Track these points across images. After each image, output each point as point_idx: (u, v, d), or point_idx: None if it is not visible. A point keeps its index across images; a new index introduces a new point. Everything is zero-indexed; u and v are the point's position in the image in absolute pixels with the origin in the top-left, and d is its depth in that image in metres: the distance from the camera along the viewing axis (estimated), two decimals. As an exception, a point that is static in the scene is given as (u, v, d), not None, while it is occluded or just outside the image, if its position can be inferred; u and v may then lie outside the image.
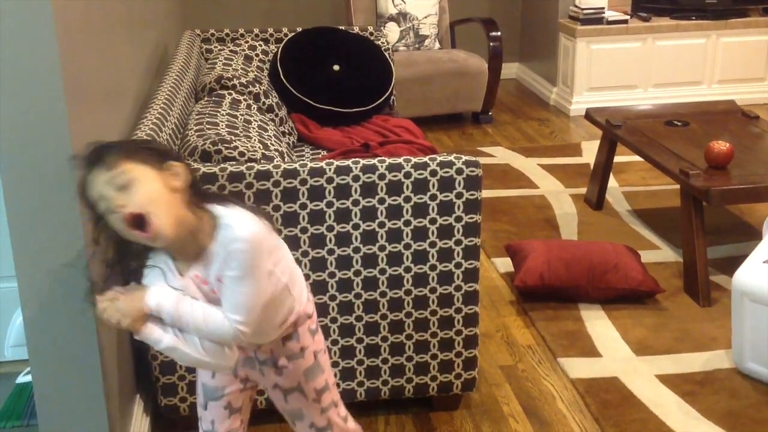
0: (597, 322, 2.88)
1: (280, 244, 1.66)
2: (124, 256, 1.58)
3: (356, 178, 2.12)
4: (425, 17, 5.31)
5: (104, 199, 1.47)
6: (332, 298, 2.21)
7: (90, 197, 1.49)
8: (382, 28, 5.15)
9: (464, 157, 2.18)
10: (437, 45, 5.38)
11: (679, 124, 3.67)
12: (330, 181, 2.12)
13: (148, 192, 1.47)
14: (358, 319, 2.24)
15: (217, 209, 1.54)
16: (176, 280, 1.57)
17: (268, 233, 1.56)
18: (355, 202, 2.14)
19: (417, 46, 5.31)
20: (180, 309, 1.53)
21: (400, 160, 2.15)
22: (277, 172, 2.11)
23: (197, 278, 1.56)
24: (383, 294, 2.22)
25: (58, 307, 1.77)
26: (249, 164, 2.14)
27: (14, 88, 1.63)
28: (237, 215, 1.53)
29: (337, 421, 1.82)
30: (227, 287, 1.53)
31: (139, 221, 1.46)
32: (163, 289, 1.54)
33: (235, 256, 1.50)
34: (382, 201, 2.15)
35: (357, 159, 2.16)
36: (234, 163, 2.23)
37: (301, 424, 1.79)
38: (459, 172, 2.16)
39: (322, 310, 2.21)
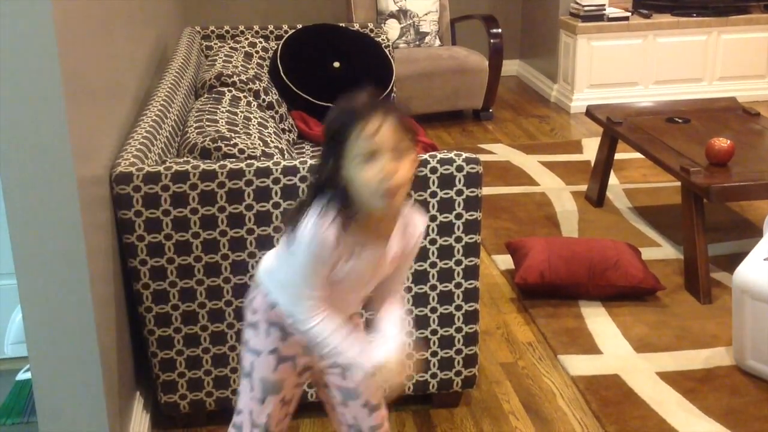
0: (597, 320, 2.87)
1: None
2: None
3: (356, 175, 2.12)
4: (425, 14, 5.31)
5: (375, 152, 1.46)
6: (332, 295, 2.21)
7: (360, 142, 1.46)
8: (382, 25, 5.14)
9: (464, 154, 2.17)
10: (437, 42, 5.37)
11: (679, 121, 3.66)
12: (330, 178, 2.11)
13: (411, 171, 1.52)
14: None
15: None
16: (363, 250, 1.57)
17: None
18: (355, 199, 2.13)
19: (417, 43, 5.31)
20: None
21: (400, 157, 2.14)
22: (276, 170, 2.11)
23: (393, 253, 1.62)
24: (383, 291, 2.22)
25: (58, 304, 1.77)
26: (249, 161, 2.14)
27: (13, 86, 1.62)
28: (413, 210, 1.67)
29: (384, 404, 1.81)
30: (406, 264, 1.69)
31: (394, 192, 1.49)
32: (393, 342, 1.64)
33: (419, 241, 1.67)
34: (382, 198, 2.14)
35: (357, 156, 2.15)
36: (234, 160, 2.23)
37: (354, 403, 1.76)
38: (459, 169, 2.15)
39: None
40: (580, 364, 2.63)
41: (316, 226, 1.52)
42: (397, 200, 1.52)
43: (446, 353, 2.30)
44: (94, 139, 1.94)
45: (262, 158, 2.33)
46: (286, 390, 1.75)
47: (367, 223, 1.55)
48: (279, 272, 1.65)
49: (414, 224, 1.64)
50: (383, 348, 1.62)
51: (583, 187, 4.00)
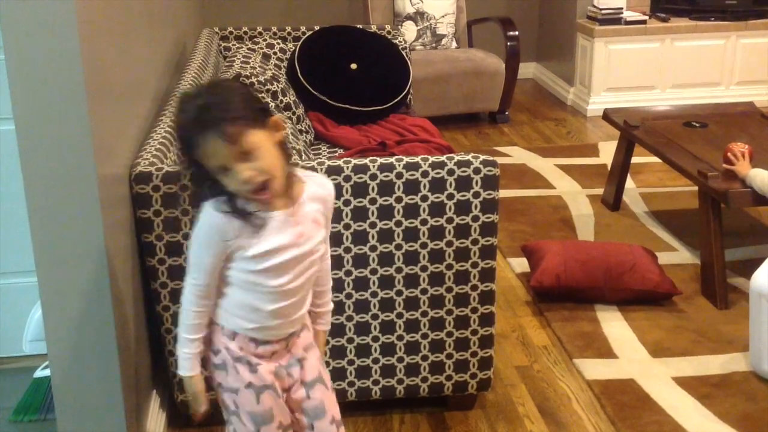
0: (613, 324, 2.87)
1: None
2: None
3: (374, 177, 2.13)
4: (442, 16, 5.31)
5: (222, 166, 1.49)
6: (348, 296, 2.22)
7: (201, 154, 1.49)
8: (399, 27, 5.15)
9: (482, 157, 2.17)
10: (454, 44, 5.37)
11: (697, 125, 3.65)
12: (347, 179, 2.12)
13: (270, 158, 1.51)
14: (374, 317, 2.24)
15: (297, 168, 1.64)
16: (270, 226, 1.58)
17: None
18: (372, 201, 2.14)
19: (434, 45, 5.31)
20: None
21: (418, 158, 2.15)
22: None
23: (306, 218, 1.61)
24: (399, 293, 2.22)
25: (77, 302, 1.79)
26: (267, 162, 2.15)
27: (36, 85, 1.64)
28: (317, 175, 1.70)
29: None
30: (328, 228, 1.68)
31: (264, 188, 1.51)
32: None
33: (331, 206, 1.68)
34: (399, 200, 2.15)
35: (374, 157, 2.16)
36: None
37: (320, 422, 1.77)
38: (476, 171, 2.15)
39: (337, 308, 2.22)
40: (595, 368, 2.62)
41: (203, 214, 1.57)
42: (274, 190, 1.52)
43: (461, 356, 2.30)
44: (114, 139, 1.96)
45: (279, 159, 2.33)
46: (278, 416, 1.74)
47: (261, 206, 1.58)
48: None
49: (321, 189, 1.64)
50: (189, 366, 1.66)
51: (600, 191, 3.99)
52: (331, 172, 2.12)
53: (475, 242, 2.20)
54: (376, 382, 2.31)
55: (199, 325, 1.66)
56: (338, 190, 2.12)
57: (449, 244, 2.20)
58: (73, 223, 1.73)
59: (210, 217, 1.57)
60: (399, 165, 2.14)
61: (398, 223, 2.16)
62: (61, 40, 1.62)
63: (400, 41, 4.10)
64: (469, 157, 2.17)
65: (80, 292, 1.78)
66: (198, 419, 1.75)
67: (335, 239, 2.15)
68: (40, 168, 1.69)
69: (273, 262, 1.59)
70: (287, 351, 1.72)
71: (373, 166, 2.13)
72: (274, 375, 1.71)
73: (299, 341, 1.73)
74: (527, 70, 6.12)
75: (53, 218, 1.72)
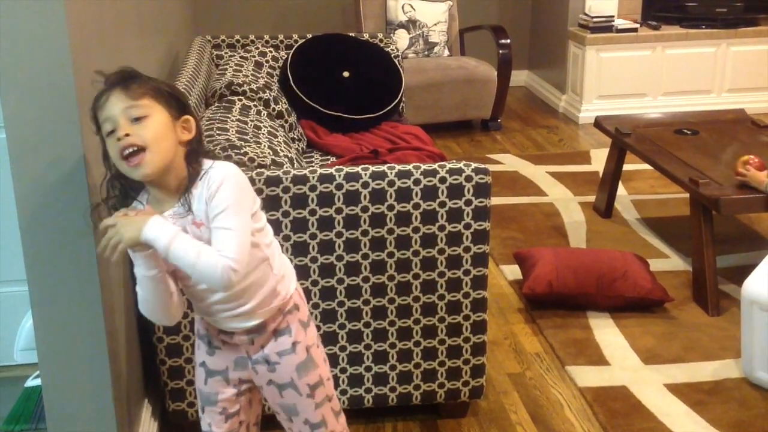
0: (605, 331, 2.87)
1: (262, 217, 1.68)
2: (118, 185, 1.61)
3: (365, 185, 2.13)
4: (435, 24, 5.33)
5: (112, 122, 1.51)
6: (341, 304, 2.21)
7: (100, 115, 1.53)
8: (391, 35, 5.16)
9: (473, 165, 2.18)
10: (446, 52, 5.39)
11: (688, 132, 3.66)
12: (339, 187, 2.12)
13: (156, 133, 1.52)
14: (366, 325, 2.24)
15: (206, 162, 1.59)
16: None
17: (244, 176, 1.61)
18: (364, 209, 2.14)
19: (426, 53, 5.32)
20: (175, 243, 1.50)
21: (410, 167, 2.16)
22: (286, 178, 2.12)
23: (188, 220, 1.57)
24: (391, 300, 2.22)
25: (68, 311, 1.78)
26: (258, 170, 2.15)
27: (27, 93, 1.64)
28: (219, 162, 1.60)
29: (330, 418, 1.80)
30: (217, 226, 1.54)
31: (133, 152, 1.50)
32: (164, 222, 1.52)
33: (220, 192, 1.54)
34: (391, 208, 2.15)
35: (366, 165, 2.16)
36: (244, 168, 2.23)
37: (296, 419, 1.78)
38: (468, 179, 2.16)
39: (330, 316, 2.22)
40: (587, 376, 2.62)
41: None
42: (145, 161, 1.50)
43: (454, 363, 2.31)
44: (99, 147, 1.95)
45: (272, 167, 2.34)
46: (223, 403, 1.76)
47: (151, 194, 1.59)
48: None
49: (211, 177, 1.56)
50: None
51: (591, 198, 4.00)
52: (323, 180, 2.12)
53: (467, 250, 2.20)
54: (368, 390, 2.31)
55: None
56: (330, 198, 2.12)
57: (441, 251, 2.20)
58: (64, 232, 1.73)
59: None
60: (391, 173, 2.14)
61: (390, 231, 2.16)
62: (51, 48, 1.62)
63: (392, 49, 4.11)
64: (460, 165, 2.17)
65: (71, 300, 1.77)
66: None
67: (328, 247, 2.15)
68: (31, 176, 1.69)
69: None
70: (252, 346, 1.71)
71: (365, 174, 2.13)
72: (233, 363, 1.73)
73: (271, 342, 1.70)
74: (519, 77, 6.14)
75: (44, 227, 1.72)
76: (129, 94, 1.51)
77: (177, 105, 1.58)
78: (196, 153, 1.59)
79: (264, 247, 1.65)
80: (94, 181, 1.76)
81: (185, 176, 1.57)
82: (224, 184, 1.54)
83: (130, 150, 1.50)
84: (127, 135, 1.50)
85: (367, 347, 2.27)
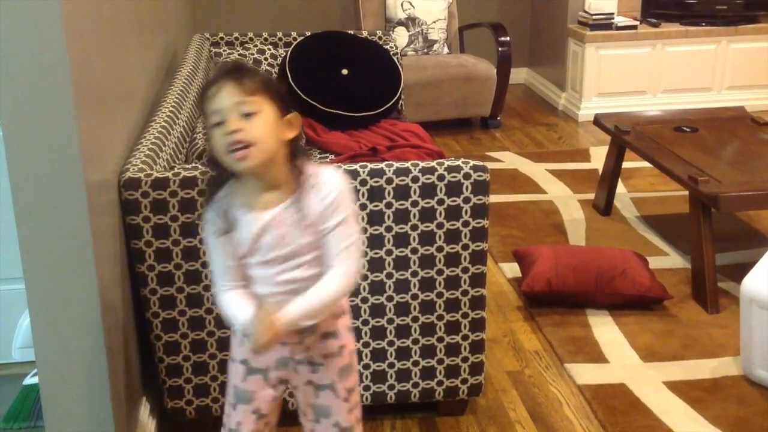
0: (604, 328, 2.87)
1: None
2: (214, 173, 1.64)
3: (364, 182, 2.12)
4: (434, 22, 5.32)
5: (221, 115, 1.53)
6: (339, 302, 2.21)
7: (209, 106, 1.54)
8: (390, 32, 5.15)
9: (472, 162, 2.17)
10: (446, 50, 5.38)
11: (688, 130, 3.66)
12: (337, 185, 2.11)
13: (265, 129, 1.54)
14: (365, 323, 2.24)
15: (307, 166, 1.61)
16: (250, 213, 1.59)
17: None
18: (363, 206, 2.14)
19: (426, 50, 5.32)
20: (306, 306, 1.59)
21: (408, 164, 2.15)
22: (284, 176, 2.11)
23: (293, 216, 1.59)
24: (390, 298, 2.22)
25: (66, 309, 1.78)
26: (257, 168, 2.14)
27: (23, 91, 1.63)
28: (326, 168, 1.64)
29: (358, 425, 1.81)
30: (337, 235, 1.59)
31: (242, 147, 1.52)
32: (288, 307, 1.58)
33: (339, 200, 1.59)
34: (389, 205, 2.14)
35: (365, 163, 2.16)
36: (242, 166, 2.23)
37: (325, 421, 1.77)
38: (466, 176, 2.16)
39: (328, 313, 2.21)
40: (586, 373, 2.62)
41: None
42: (251, 155, 1.53)
43: (452, 361, 2.30)
44: (103, 145, 1.95)
45: (269, 165, 2.33)
46: (258, 402, 1.75)
47: (246, 187, 1.60)
48: None
49: (324, 183, 1.60)
50: (248, 309, 1.63)
51: (591, 196, 4.00)
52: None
53: (465, 247, 2.20)
54: (367, 388, 2.31)
55: (236, 298, 1.68)
56: (328, 196, 2.11)
57: (440, 249, 2.19)
58: (61, 230, 1.72)
59: (204, 225, 1.62)
60: (389, 170, 2.13)
61: (388, 229, 2.16)
62: (48, 45, 1.62)
63: (391, 47, 4.10)
64: (459, 162, 2.17)
65: (68, 299, 1.77)
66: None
67: (325, 245, 2.15)
68: (28, 174, 1.68)
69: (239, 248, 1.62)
70: (300, 346, 1.70)
71: (363, 172, 2.13)
72: (275, 362, 1.72)
73: (319, 345, 1.71)
74: (519, 75, 6.13)
75: (41, 225, 1.71)
76: (242, 89, 1.52)
77: (284, 102, 1.59)
78: (297, 151, 1.61)
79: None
80: (91, 179, 1.76)
81: (286, 174, 1.59)
82: (343, 193, 1.60)
83: (238, 146, 1.52)
84: (237, 131, 1.51)
85: (366, 345, 2.26)
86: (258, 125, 1.53)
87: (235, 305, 1.65)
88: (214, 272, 1.67)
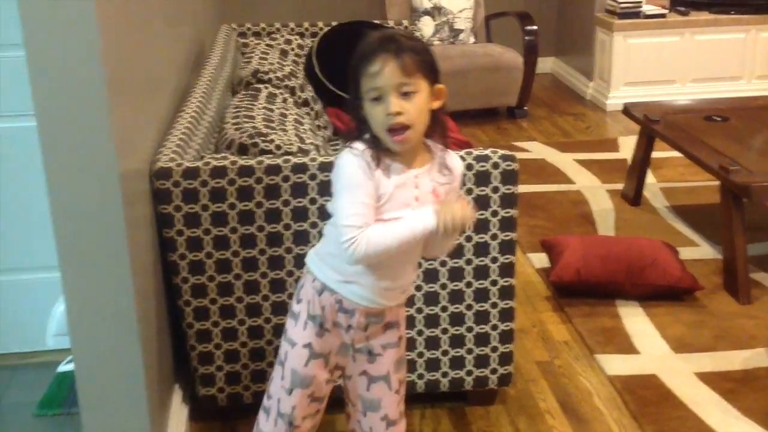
0: (634, 319, 2.85)
1: None
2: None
3: (393, 172, 2.12)
4: (460, 11, 5.29)
5: (381, 92, 1.54)
6: (368, 291, 2.21)
7: (367, 81, 1.55)
8: (416, 22, 5.14)
9: (500, 152, 2.16)
10: (472, 39, 5.36)
11: (718, 119, 3.62)
12: (367, 174, 2.11)
13: (421, 108, 1.56)
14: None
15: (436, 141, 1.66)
16: (394, 175, 1.61)
17: None
18: (392, 196, 2.13)
19: (452, 40, 5.30)
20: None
21: (438, 153, 2.14)
22: (313, 165, 2.12)
23: (432, 183, 1.64)
24: (419, 288, 2.22)
25: (100, 297, 1.79)
26: (285, 157, 2.15)
27: (58, 82, 1.65)
28: (451, 154, 1.69)
29: (403, 418, 1.82)
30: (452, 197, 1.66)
31: (402, 130, 1.54)
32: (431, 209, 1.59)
33: (461, 179, 1.71)
34: (418, 195, 2.14)
35: (394, 152, 2.15)
36: (270, 156, 2.24)
37: (373, 415, 1.77)
38: (495, 166, 2.15)
39: (358, 303, 2.22)
40: (617, 364, 2.61)
41: (343, 158, 1.61)
42: (408, 138, 1.56)
43: (482, 351, 2.30)
44: (135, 135, 1.96)
45: (298, 154, 2.34)
46: (315, 386, 1.76)
47: (392, 157, 1.60)
48: (332, 214, 1.67)
49: (452, 166, 1.67)
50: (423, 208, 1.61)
51: (619, 186, 3.97)
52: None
53: (494, 237, 2.19)
54: (396, 377, 2.31)
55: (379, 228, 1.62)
56: (358, 185, 2.12)
57: (468, 238, 2.19)
58: (95, 219, 1.74)
59: (351, 158, 1.59)
60: (419, 160, 2.13)
61: (418, 218, 2.16)
62: (82, 36, 1.63)
63: (418, 36, 4.09)
64: (487, 152, 2.16)
65: (103, 287, 1.78)
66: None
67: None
68: (63, 164, 1.70)
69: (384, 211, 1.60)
70: (364, 333, 1.71)
71: (393, 161, 2.12)
72: (337, 348, 1.73)
73: (380, 334, 1.72)
74: (545, 64, 6.09)
75: (76, 214, 1.73)
76: (404, 69, 1.53)
77: (435, 74, 1.60)
78: (441, 120, 1.64)
79: None
80: (124, 168, 1.77)
81: (421, 144, 1.62)
82: (461, 177, 1.70)
83: (398, 127, 1.54)
84: (398, 113, 1.53)
85: (395, 334, 2.26)
86: (416, 105, 1.55)
87: (395, 222, 1.59)
88: (344, 211, 1.59)
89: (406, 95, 1.54)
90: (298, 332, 1.74)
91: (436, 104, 1.61)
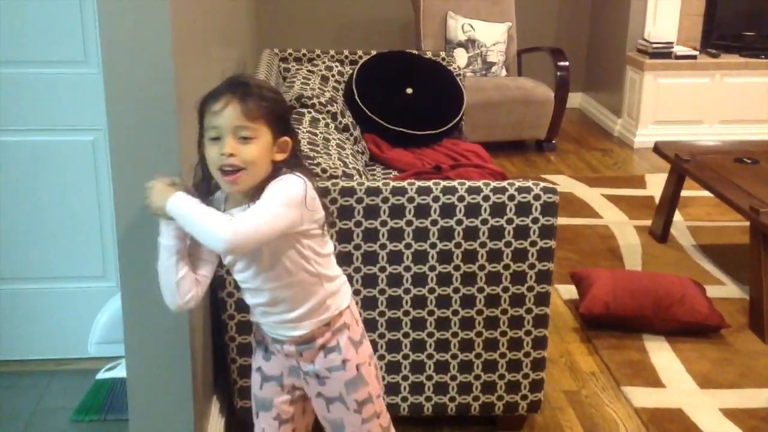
0: (661, 354, 2.89)
1: (319, 234, 1.67)
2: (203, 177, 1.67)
3: (436, 199, 2.19)
4: (493, 44, 5.39)
5: (219, 132, 1.55)
6: (406, 313, 2.28)
7: (210, 118, 1.56)
8: (450, 53, 5.23)
9: (542, 184, 2.24)
10: (504, 72, 5.45)
11: (748, 161, 3.67)
12: (411, 200, 2.19)
13: (259, 156, 1.57)
14: (430, 335, 2.30)
15: (283, 172, 1.62)
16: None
17: (302, 195, 1.59)
18: (434, 222, 2.21)
19: (484, 72, 5.39)
20: (189, 205, 1.56)
21: (479, 183, 2.22)
22: (360, 189, 2.19)
23: None
24: (455, 312, 2.28)
25: (156, 307, 1.86)
26: (333, 180, 2.23)
27: (130, 99, 1.74)
28: (292, 174, 1.61)
29: None
30: (250, 210, 1.57)
31: (233, 170, 1.55)
32: (188, 197, 1.57)
33: (268, 189, 1.57)
34: (459, 222, 2.21)
35: (438, 180, 2.23)
36: (317, 179, 2.32)
37: None
38: (536, 198, 2.22)
39: (395, 324, 2.28)
40: (643, 397, 2.65)
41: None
42: (240, 179, 1.56)
43: (513, 377, 2.35)
44: (195, 152, 2.05)
45: (343, 178, 2.41)
46: (277, 408, 1.81)
47: (233, 196, 1.63)
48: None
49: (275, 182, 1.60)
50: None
51: (647, 222, 4.02)
52: (396, 192, 2.19)
53: (531, 266, 2.26)
54: (428, 399, 2.37)
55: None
56: (401, 211, 2.19)
57: (506, 267, 2.25)
58: (156, 232, 1.81)
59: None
60: (461, 188, 2.20)
61: (458, 245, 2.23)
62: (155, 55, 1.72)
63: (454, 68, 4.18)
64: (529, 183, 2.23)
65: (159, 297, 1.85)
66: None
67: (396, 258, 2.22)
68: (130, 178, 1.78)
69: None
70: (301, 358, 1.73)
71: (437, 189, 2.20)
72: (287, 370, 1.78)
73: (321, 358, 1.72)
74: (573, 99, 6.16)
75: (139, 228, 1.81)
76: (246, 113, 1.54)
77: (282, 125, 1.62)
78: (281, 169, 1.62)
79: (314, 263, 1.67)
80: (186, 183, 1.85)
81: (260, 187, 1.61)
82: (276, 185, 1.57)
83: (229, 169, 1.55)
84: (231, 155, 1.54)
85: (429, 357, 2.32)
86: (252, 151, 1.55)
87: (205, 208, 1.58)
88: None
89: (243, 139, 1.54)
90: (253, 358, 1.83)
91: (280, 156, 1.61)
